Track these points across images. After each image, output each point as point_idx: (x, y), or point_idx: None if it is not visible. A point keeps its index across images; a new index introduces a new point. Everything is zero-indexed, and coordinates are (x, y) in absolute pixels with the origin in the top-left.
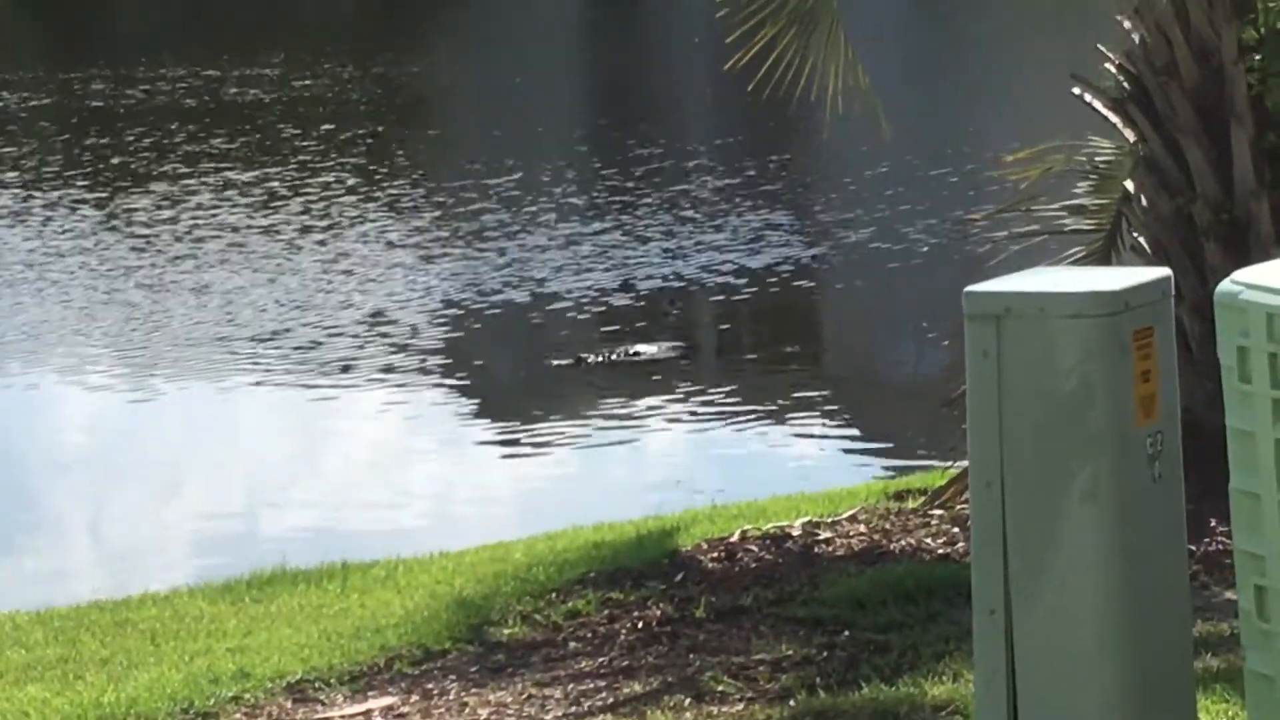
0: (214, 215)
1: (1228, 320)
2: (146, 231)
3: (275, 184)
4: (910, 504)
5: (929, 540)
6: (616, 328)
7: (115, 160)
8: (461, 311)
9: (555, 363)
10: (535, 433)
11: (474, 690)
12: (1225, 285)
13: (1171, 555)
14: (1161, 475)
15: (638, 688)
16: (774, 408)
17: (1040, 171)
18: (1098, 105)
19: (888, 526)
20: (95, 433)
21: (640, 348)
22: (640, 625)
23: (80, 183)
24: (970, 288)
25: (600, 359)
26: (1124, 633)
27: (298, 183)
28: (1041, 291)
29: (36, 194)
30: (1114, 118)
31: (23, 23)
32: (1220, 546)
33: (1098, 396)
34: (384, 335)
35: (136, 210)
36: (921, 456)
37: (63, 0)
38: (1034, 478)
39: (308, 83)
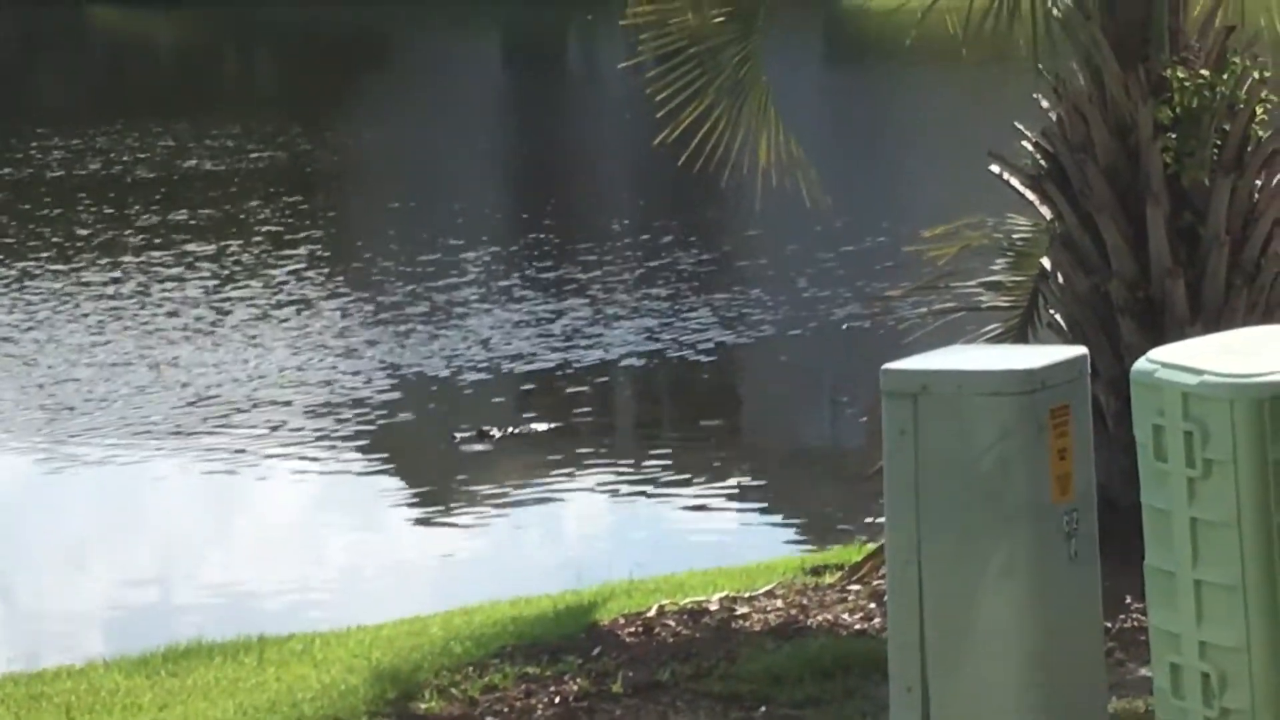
0: (130, 282)
1: (1143, 398)
2: (96, 305)
3: (200, 254)
4: (827, 579)
5: (846, 616)
6: (524, 402)
7: (79, 231)
8: (363, 383)
9: (458, 435)
10: (450, 506)
11: None
12: (1141, 364)
13: (1088, 632)
14: (1078, 553)
15: None
16: (691, 482)
17: (957, 249)
18: (1015, 183)
19: (805, 602)
20: (11, 504)
21: (541, 425)
22: (557, 700)
23: (41, 254)
24: (887, 365)
25: (503, 432)
26: (1040, 709)
27: (232, 254)
28: (958, 369)
29: None
30: (1031, 195)
31: None
32: (1136, 623)
33: (1014, 474)
34: (285, 406)
35: (94, 283)
36: (839, 531)
37: None
38: (951, 554)
39: (263, 154)
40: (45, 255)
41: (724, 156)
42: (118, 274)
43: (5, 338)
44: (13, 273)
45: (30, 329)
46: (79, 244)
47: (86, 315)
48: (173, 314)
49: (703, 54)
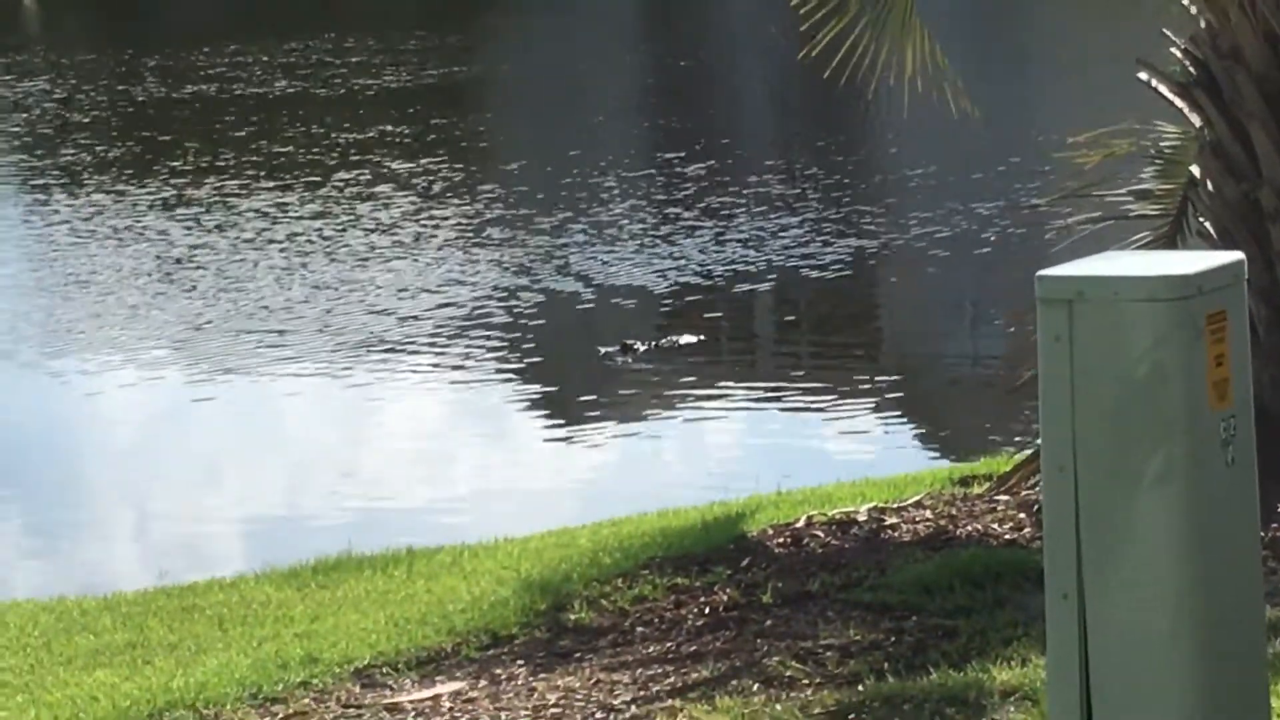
0: (291, 207)
1: None
2: (236, 219)
3: (349, 174)
4: (975, 489)
5: (995, 526)
6: (668, 317)
7: (278, 149)
8: (514, 300)
9: (603, 349)
10: (592, 420)
11: (542, 675)
12: None
13: (1245, 539)
14: (1235, 459)
15: (705, 673)
16: (836, 395)
17: (1103, 155)
18: (1164, 90)
19: (954, 512)
20: (155, 423)
21: (687, 336)
22: (707, 610)
23: (241, 173)
24: (1042, 272)
25: (647, 346)
26: (1198, 617)
27: (365, 175)
28: (1114, 275)
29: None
30: (1180, 102)
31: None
32: None
33: (1171, 381)
34: (439, 325)
35: (292, 203)
36: (986, 443)
37: None
38: (1107, 462)
39: (443, 70)
40: (249, 174)
41: (869, 69)
42: (321, 192)
43: (197, 265)
44: (217, 192)
45: (232, 248)
46: (279, 162)
47: (295, 236)
48: (370, 233)
49: None
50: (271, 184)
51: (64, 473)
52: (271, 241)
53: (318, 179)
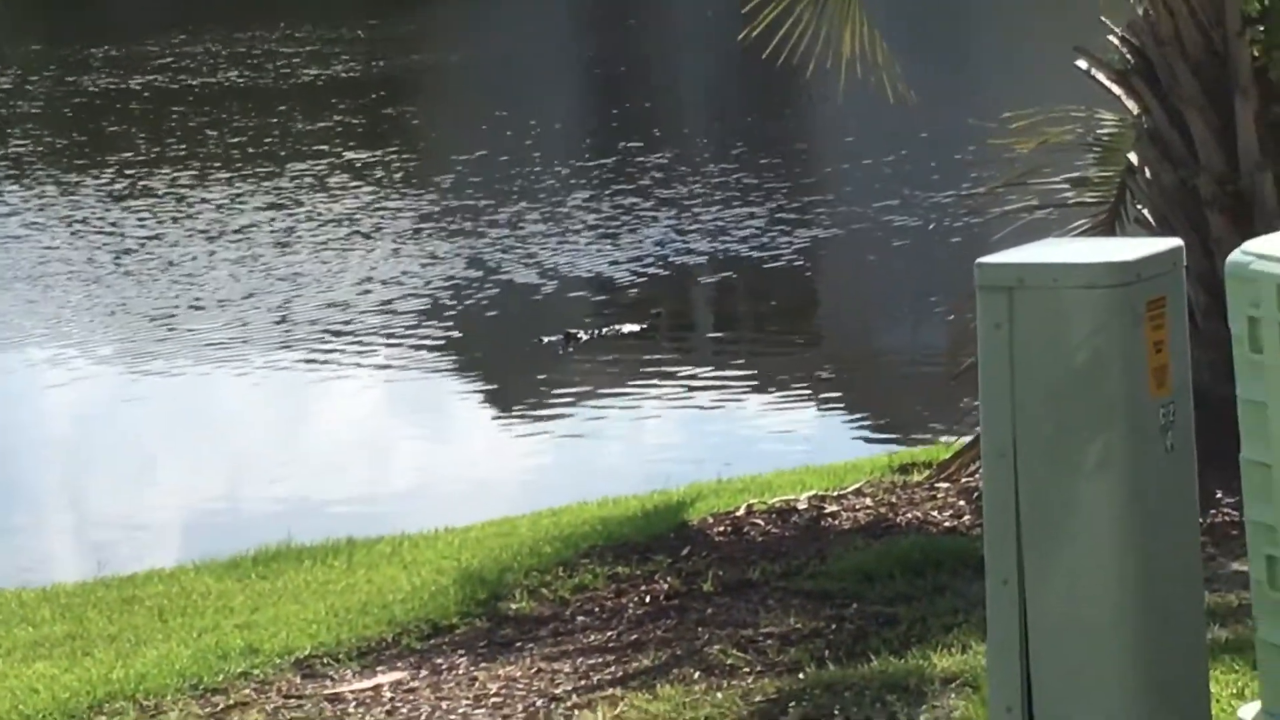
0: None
1: (1238, 290)
2: (161, 211)
3: (287, 163)
4: (915, 477)
5: (935, 513)
6: (612, 307)
7: (231, 140)
8: (467, 291)
9: (545, 339)
10: (533, 409)
11: (483, 665)
12: (1235, 256)
13: (1184, 525)
14: (1174, 446)
15: (646, 661)
16: (776, 383)
17: (1039, 142)
18: (1101, 78)
19: (894, 500)
20: (102, 414)
21: (629, 326)
22: (648, 599)
23: (193, 165)
24: (982, 259)
25: (589, 335)
26: (1137, 602)
27: (306, 162)
28: (1054, 262)
29: (148, 173)
30: (1117, 90)
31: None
32: (1226, 518)
33: (1111, 367)
34: (390, 316)
35: (246, 192)
36: (925, 430)
37: None
38: (1047, 448)
39: (392, 60)
40: (201, 165)
41: (808, 52)
42: (274, 184)
43: (149, 257)
44: (170, 184)
45: (186, 239)
46: (231, 153)
47: (248, 227)
48: (324, 224)
49: None
50: (225, 175)
51: (5, 464)
52: (224, 233)
53: (271, 170)
